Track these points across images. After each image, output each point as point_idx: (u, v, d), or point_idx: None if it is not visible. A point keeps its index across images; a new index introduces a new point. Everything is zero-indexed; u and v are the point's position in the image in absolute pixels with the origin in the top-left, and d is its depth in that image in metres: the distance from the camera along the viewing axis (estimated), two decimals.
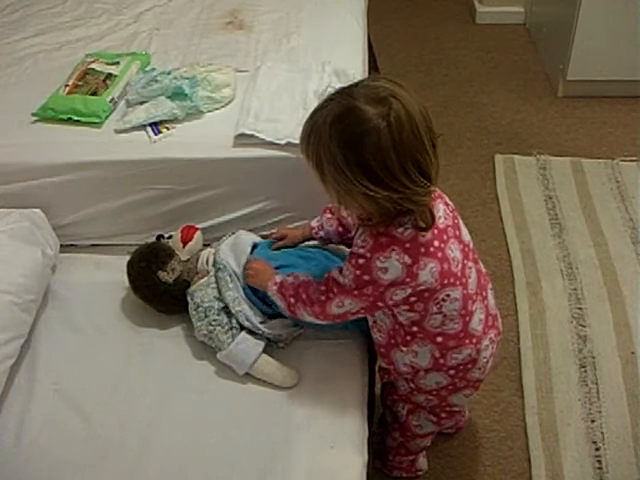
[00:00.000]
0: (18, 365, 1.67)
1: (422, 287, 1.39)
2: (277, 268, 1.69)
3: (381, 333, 1.56)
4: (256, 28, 2.47)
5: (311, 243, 1.90)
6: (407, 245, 1.36)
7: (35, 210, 1.89)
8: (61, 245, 1.94)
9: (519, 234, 2.67)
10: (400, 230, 1.36)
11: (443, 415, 1.72)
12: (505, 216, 2.75)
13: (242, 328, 1.66)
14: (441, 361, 1.53)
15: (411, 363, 1.55)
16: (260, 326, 1.66)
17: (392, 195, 1.29)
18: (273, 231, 1.88)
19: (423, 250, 1.37)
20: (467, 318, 1.49)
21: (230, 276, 1.69)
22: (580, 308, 2.39)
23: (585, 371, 2.20)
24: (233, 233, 1.83)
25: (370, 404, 1.70)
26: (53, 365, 1.69)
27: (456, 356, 1.52)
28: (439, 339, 1.49)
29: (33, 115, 2.04)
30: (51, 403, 1.61)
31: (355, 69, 2.19)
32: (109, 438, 1.53)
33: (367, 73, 2.32)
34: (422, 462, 1.94)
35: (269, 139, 1.89)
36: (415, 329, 1.48)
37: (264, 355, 1.64)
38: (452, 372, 1.56)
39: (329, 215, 1.76)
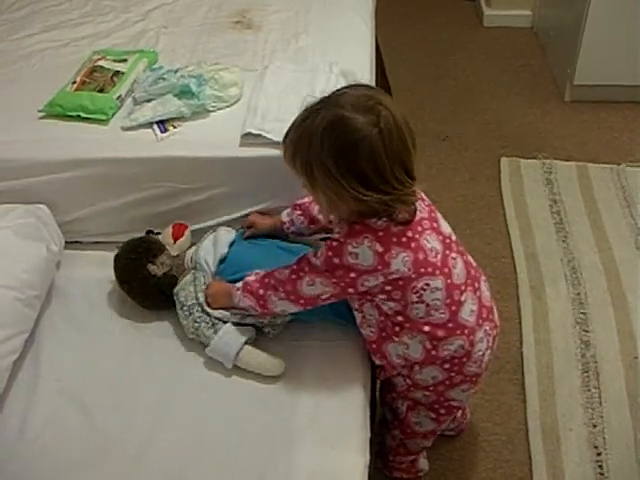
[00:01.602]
0: (21, 361, 1.67)
1: (395, 275, 1.43)
2: (253, 263, 1.71)
3: (371, 328, 1.58)
4: (264, 28, 2.47)
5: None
6: (380, 234, 1.41)
7: (40, 206, 1.90)
8: (66, 242, 1.94)
9: (524, 238, 2.67)
10: (373, 220, 1.41)
11: (442, 411, 1.72)
12: (510, 220, 2.75)
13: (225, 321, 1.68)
14: (433, 352, 1.53)
15: (404, 355, 1.56)
16: (236, 318, 1.68)
17: (383, 197, 1.35)
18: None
19: (395, 240, 1.42)
20: (454, 307, 1.50)
21: (204, 277, 1.72)
22: (583, 313, 2.39)
23: (588, 376, 2.20)
24: (214, 231, 1.85)
25: (371, 404, 1.70)
26: (56, 361, 1.69)
27: (448, 347, 1.53)
28: (426, 328, 1.51)
29: (40, 111, 2.04)
30: (54, 400, 1.61)
31: (362, 70, 2.19)
32: (111, 436, 1.53)
33: (374, 75, 2.32)
34: (423, 463, 1.94)
35: (276, 139, 1.88)
36: (400, 319, 1.51)
37: (248, 346, 1.65)
38: (447, 365, 1.56)
39: (299, 212, 1.81)
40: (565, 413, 2.11)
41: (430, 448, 1.89)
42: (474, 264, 1.61)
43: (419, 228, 1.46)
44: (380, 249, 1.40)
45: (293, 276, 1.52)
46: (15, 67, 2.28)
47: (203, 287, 1.70)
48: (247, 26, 2.48)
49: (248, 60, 2.28)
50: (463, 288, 1.52)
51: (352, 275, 1.43)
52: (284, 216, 1.84)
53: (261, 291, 1.58)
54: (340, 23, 2.49)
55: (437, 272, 1.46)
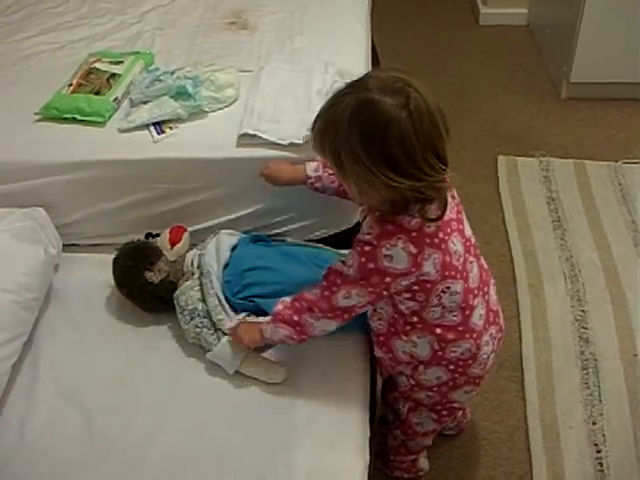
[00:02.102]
0: (20, 364, 1.67)
1: (424, 277, 1.40)
2: (255, 268, 1.72)
3: (381, 321, 1.56)
4: (260, 28, 2.47)
5: (294, 241, 1.91)
6: (413, 234, 1.36)
7: (38, 209, 1.89)
8: (64, 244, 1.94)
9: (522, 236, 2.67)
10: (407, 219, 1.36)
11: (444, 412, 1.72)
12: (508, 218, 2.75)
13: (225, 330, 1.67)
14: (440, 353, 1.53)
15: (411, 352, 1.56)
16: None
17: (415, 184, 1.29)
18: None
19: (428, 240, 1.37)
20: (467, 312, 1.49)
21: (211, 282, 1.72)
22: (582, 310, 2.39)
23: (587, 373, 2.20)
24: (215, 234, 1.85)
25: (372, 405, 1.70)
26: (55, 364, 1.69)
27: (455, 349, 1.52)
28: (438, 330, 1.49)
29: (36, 114, 2.04)
30: (53, 402, 1.61)
31: (358, 70, 2.18)
32: (111, 438, 1.53)
33: None
34: (423, 462, 1.94)
35: (272, 139, 1.89)
36: (415, 319, 1.49)
37: (251, 353, 1.64)
38: (452, 367, 1.56)
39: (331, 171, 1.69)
40: (565, 411, 2.11)
41: (430, 447, 1.89)
42: (486, 267, 1.59)
43: (448, 229, 1.42)
44: (414, 250, 1.36)
45: (326, 293, 1.45)
46: (12, 70, 2.28)
47: (211, 292, 1.70)
48: (243, 27, 2.48)
49: (244, 61, 2.27)
50: (476, 292, 1.50)
51: (387, 280, 1.38)
52: (310, 170, 1.75)
53: (295, 317, 1.50)
54: (336, 23, 2.48)
55: (458, 276, 1.44)
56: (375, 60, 2.69)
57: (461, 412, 2.00)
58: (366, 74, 1.36)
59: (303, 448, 1.50)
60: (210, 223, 1.98)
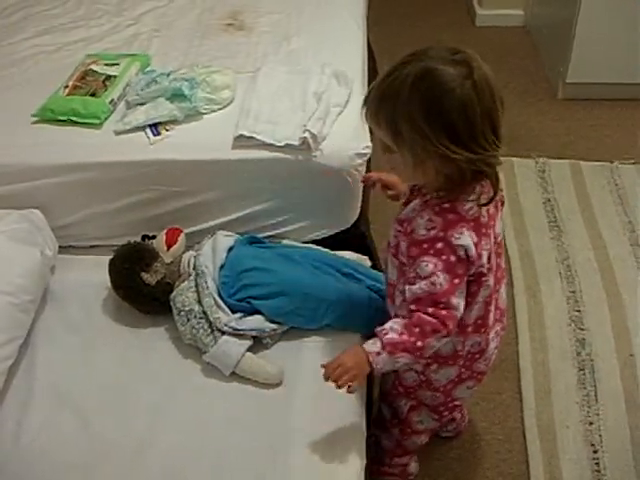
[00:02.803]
0: (17, 366, 1.67)
1: (482, 269, 1.39)
2: (252, 269, 1.72)
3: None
4: (256, 30, 2.48)
5: (291, 243, 1.92)
6: (472, 224, 1.35)
7: (34, 211, 1.89)
8: (60, 246, 1.94)
9: (518, 237, 2.68)
10: (466, 208, 1.34)
11: (445, 412, 1.72)
12: (504, 218, 2.74)
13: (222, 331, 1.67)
14: (460, 352, 1.53)
15: None
16: (238, 327, 1.67)
17: (471, 156, 1.27)
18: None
19: (484, 230, 1.37)
20: (489, 307, 1.49)
21: (206, 282, 1.71)
22: (579, 311, 2.39)
23: (583, 374, 2.20)
24: (212, 235, 1.85)
25: (368, 406, 1.70)
26: (52, 366, 1.69)
27: (468, 344, 1.52)
28: (469, 329, 1.49)
29: (33, 116, 2.04)
30: (50, 404, 1.60)
31: (355, 72, 2.19)
32: (107, 439, 1.53)
33: (367, 76, 2.32)
34: (414, 466, 1.92)
35: (268, 141, 1.89)
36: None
37: (248, 354, 1.65)
38: (462, 362, 1.56)
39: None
40: (561, 411, 2.11)
41: (428, 447, 1.89)
42: (503, 266, 1.56)
43: (492, 222, 1.41)
44: (475, 239, 1.35)
45: (443, 312, 1.36)
46: (9, 72, 2.28)
47: (207, 292, 1.69)
48: (239, 28, 2.49)
49: (240, 62, 2.28)
50: (495, 289, 1.50)
51: (465, 268, 1.36)
52: None
53: (419, 343, 1.38)
54: (332, 24, 2.49)
55: (492, 269, 1.44)
56: (371, 61, 2.69)
57: (460, 415, 2.00)
58: (425, 47, 1.35)
59: (300, 448, 1.50)
60: (206, 225, 1.98)
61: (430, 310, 1.37)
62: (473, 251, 1.34)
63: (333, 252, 1.90)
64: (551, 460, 1.99)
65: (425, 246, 1.36)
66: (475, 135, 1.27)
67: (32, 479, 1.47)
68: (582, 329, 2.33)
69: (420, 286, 1.37)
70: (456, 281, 1.36)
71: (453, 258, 1.34)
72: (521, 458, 2.02)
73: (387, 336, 1.39)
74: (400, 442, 1.81)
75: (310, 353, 1.69)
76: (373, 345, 1.40)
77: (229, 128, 1.95)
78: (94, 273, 1.87)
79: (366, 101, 1.36)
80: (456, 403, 1.71)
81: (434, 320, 1.37)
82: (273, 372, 1.63)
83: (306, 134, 1.85)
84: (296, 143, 1.87)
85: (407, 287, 1.40)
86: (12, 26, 2.55)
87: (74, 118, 2.01)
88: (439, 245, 1.34)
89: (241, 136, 1.90)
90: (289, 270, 1.75)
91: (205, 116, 2.04)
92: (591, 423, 2.08)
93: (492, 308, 1.51)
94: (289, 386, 1.63)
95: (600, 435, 2.05)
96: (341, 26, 2.49)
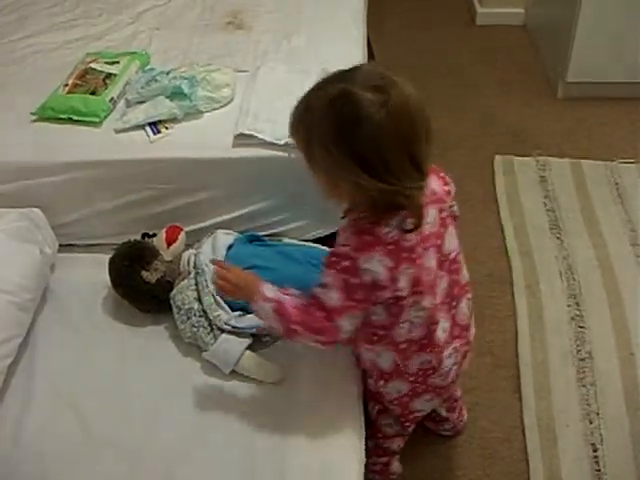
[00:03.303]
0: (16, 364, 1.67)
1: (397, 293, 1.36)
2: (252, 267, 1.71)
3: None
4: (256, 28, 2.48)
5: (291, 241, 1.92)
6: (390, 247, 1.31)
7: (34, 209, 1.89)
8: (60, 244, 1.94)
9: (518, 236, 2.67)
10: (385, 230, 1.31)
11: (407, 424, 1.73)
12: (504, 217, 2.75)
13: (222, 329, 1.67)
14: (401, 368, 1.51)
15: (373, 361, 1.54)
16: (238, 325, 1.67)
17: (384, 187, 1.24)
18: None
19: (405, 255, 1.33)
20: (433, 327, 1.46)
21: (206, 280, 1.71)
22: (579, 309, 2.39)
23: (583, 372, 2.20)
24: (212, 234, 1.85)
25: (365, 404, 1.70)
26: (51, 365, 1.69)
27: (415, 361, 1.50)
28: (403, 346, 1.47)
29: (32, 114, 2.04)
30: (49, 403, 1.60)
31: None
32: (106, 438, 1.53)
33: None
34: (396, 466, 1.90)
35: (268, 139, 1.89)
36: (382, 332, 1.46)
37: (248, 352, 1.65)
38: (412, 378, 1.54)
39: None
40: (561, 410, 2.11)
41: (427, 446, 1.90)
42: (463, 282, 1.54)
43: (427, 244, 1.37)
44: (390, 264, 1.31)
45: (327, 323, 1.37)
46: (8, 70, 2.29)
47: (206, 290, 1.69)
48: (239, 27, 2.49)
49: (240, 61, 2.28)
50: (440, 307, 1.47)
51: (369, 292, 1.34)
52: None
53: (297, 327, 1.40)
54: (332, 23, 2.49)
55: (427, 291, 1.41)
56: (371, 59, 2.69)
57: (457, 415, 2.00)
58: (357, 66, 1.32)
59: (299, 446, 1.50)
60: (206, 223, 1.98)
61: (319, 314, 1.37)
62: (382, 276, 1.32)
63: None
64: (551, 459, 1.99)
65: (334, 259, 1.35)
66: (389, 166, 1.22)
67: (31, 478, 1.47)
68: (582, 327, 2.33)
69: (317, 290, 1.37)
70: (349, 303, 1.34)
71: (355, 281, 1.32)
72: (521, 457, 2.01)
73: (285, 298, 1.40)
74: (378, 443, 1.81)
75: (309, 352, 1.68)
76: (270, 291, 1.42)
77: (229, 126, 1.95)
78: (94, 271, 1.87)
79: (292, 113, 1.33)
80: (417, 415, 1.69)
81: (321, 325, 1.37)
82: (273, 370, 1.64)
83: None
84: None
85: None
86: (11, 25, 2.55)
87: (74, 116, 2.01)
88: (345, 263, 1.32)
89: (241, 134, 1.90)
90: (289, 268, 1.75)
91: (205, 114, 2.04)
92: (591, 422, 2.07)
93: (440, 327, 1.48)
94: (287, 385, 1.63)
95: (600, 434, 2.04)
96: (341, 25, 2.49)
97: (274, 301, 1.41)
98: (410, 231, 1.31)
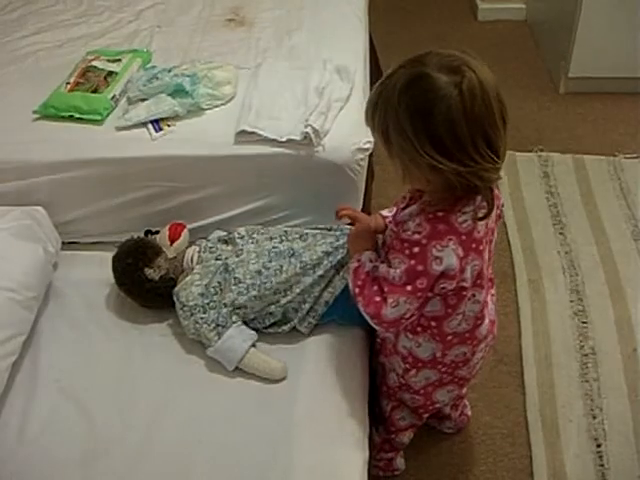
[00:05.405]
0: (20, 362, 1.67)
1: (462, 284, 1.37)
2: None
3: None
4: (258, 25, 2.48)
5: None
6: (463, 237, 1.32)
7: (37, 208, 1.90)
8: (63, 242, 1.94)
9: (520, 231, 2.67)
10: (460, 220, 1.31)
11: (425, 415, 1.74)
12: (507, 213, 2.75)
13: (226, 326, 1.67)
14: (439, 359, 1.53)
15: (410, 350, 1.55)
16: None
17: (459, 168, 1.23)
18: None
19: (474, 246, 1.34)
20: (479, 321, 1.48)
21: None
22: (581, 305, 2.39)
23: (586, 367, 2.20)
24: (212, 234, 1.87)
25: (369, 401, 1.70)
26: (55, 362, 1.69)
27: (452, 353, 1.52)
28: (449, 338, 1.48)
29: (34, 113, 2.04)
30: (53, 401, 1.61)
31: (356, 66, 2.19)
32: (111, 435, 1.54)
33: (369, 70, 2.32)
34: (400, 462, 1.92)
35: (270, 136, 1.89)
36: (433, 324, 1.46)
37: (252, 349, 1.65)
38: (444, 369, 1.56)
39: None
40: (564, 405, 2.11)
41: (431, 442, 1.90)
42: (492, 276, 1.55)
43: (487, 238, 1.38)
44: (462, 254, 1.31)
45: (377, 298, 1.38)
46: (9, 69, 2.29)
47: (215, 284, 1.70)
48: (240, 24, 2.49)
49: (242, 58, 2.28)
50: (486, 302, 1.50)
51: (432, 282, 1.33)
52: (385, 212, 1.61)
53: (356, 290, 1.43)
54: (333, 19, 2.49)
55: (484, 284, 1.42)
56: (373, 55, 2.69)
57: (459, 413, 2.00)
58: (429, 51, 1.32)
59: (302, 444, 1.50)
60: (209, 220, 1.98)
61: (376, 288, 1.39)
62: (454, 265, 1.32)
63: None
64: (554, 454, 1.99)
65: (405, 245, 1.34)
66: (464, 146, 1.22)
67: (36, 474, 1.47)
68: (585, 323, 2.33)
69: (384, 269, 1.39)
70: (409, 288, 1.34)
71: (421, 268, 1.32)
72: (524, 452, 2.01)
73: (367, 264, 1.45)
74: (387, 438, 1.82)
75: (313, 348, 1.69)
76: (363, 255, 1.47)
77: (231, 124, 1.95)
78: (97, 269, 1.88)
79: (367, 102, 1.34)
80: (436, 406, 1.71)
81: (371, 299, 1.38)
82: (276, 367, 1.64)
83: (308, 129, 1.85)
84: (298, 138, 1.86)
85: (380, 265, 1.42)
86: (13, 23, 2.56)
87: (76, 114, 2.01)
88: (415, 249, 1.32)
89: (243, 131, 1.90)
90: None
91: (207, 112, 2.04)
92: (594, 417, 2.08)
93: (484, 322, 1.50)
94: (290, 382, 1.63)
95: (603, 429, 2.04)
96: (342, 21, 2.49)
97: (357, 260, 1.47)
98: (482, 218, 1.32)
